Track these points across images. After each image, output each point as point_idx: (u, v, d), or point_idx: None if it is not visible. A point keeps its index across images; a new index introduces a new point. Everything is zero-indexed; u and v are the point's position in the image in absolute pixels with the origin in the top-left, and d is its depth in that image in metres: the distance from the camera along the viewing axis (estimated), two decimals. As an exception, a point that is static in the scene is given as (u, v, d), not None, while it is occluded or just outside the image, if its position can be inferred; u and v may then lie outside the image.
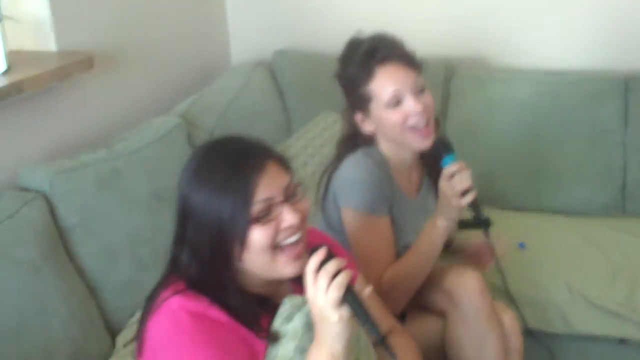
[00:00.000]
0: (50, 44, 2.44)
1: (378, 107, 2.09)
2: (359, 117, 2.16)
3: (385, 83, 2.07)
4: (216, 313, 1.49)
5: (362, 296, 1.45)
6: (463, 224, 2.84)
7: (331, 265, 1.43)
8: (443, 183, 2.01)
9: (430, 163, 2.22)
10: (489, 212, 2.88)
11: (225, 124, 2.81)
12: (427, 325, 2.17)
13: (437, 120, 2.20)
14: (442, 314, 2.16)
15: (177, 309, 1.47)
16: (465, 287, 2.10)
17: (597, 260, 2.64)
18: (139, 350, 1.54)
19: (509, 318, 2.17)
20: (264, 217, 1.49)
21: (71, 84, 2.49)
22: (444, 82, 3.16)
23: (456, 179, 1.99)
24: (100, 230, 2.26)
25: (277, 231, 1.50)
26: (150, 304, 1.54)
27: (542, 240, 2.77)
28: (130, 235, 2.31)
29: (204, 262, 1.51)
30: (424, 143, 2.09)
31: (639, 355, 2.51)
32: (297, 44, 3.34)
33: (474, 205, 2.04)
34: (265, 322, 1.54)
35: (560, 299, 2.50)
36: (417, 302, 2.22)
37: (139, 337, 1.54)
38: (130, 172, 2.38)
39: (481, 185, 2.99)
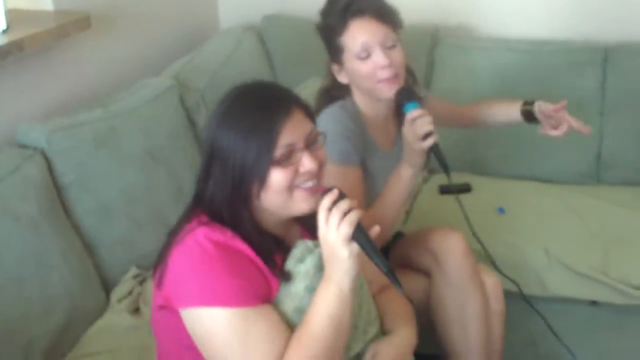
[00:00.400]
0: (46, 3, 2.46)
1: (350, 59, 2.15)
2: (335, 67, 2.22)
3: (355, 35, 2.13)
4: (239, 244, 1.57)
5: (371, 234, 1.53)
6: (444, 189, 2.95)
7: (343, 204, 1.51)
8: (406, 128, 2.06)
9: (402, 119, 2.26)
10: (469, 178, 3.02)
11: (215, 86, 2.83)
12: (412, 285, 2.22)
13: (412, 73, 2.27)
14: (427, 274, 2.23)
15: (202, 239, 1.55)
16: (449, 247, 2.17)
17: (573, 225, 2.70)
18: (159, 281, 1.61)
19: (491, 281, 2.25)
20: (285, 160, 1.56)
21: (68, 44, 2.51)
22: (430, 49, 3.19)
23: (417, 122, 2.03)
24: (96, 187, 2.31)
25: (295, 174, 1.57)
26: (173, 235, 1.61)
27: (520, 206, 2.82)
28: (125, 193, 2.36)
29: (226, 197, 1.58)
30: (388, 92, 2.15)
31: (609, 315, 2.60)
32: (285, 9, 3.37)
33: (435, 149, 2.07)
34: (279, 260, 1.62)
35: (537, 262, 2.57)
36: (404, 261, 2.30)
37: (160, 268, 1.60)
38: (126, 131, 2.42)
39: (462, 152, 3.11)
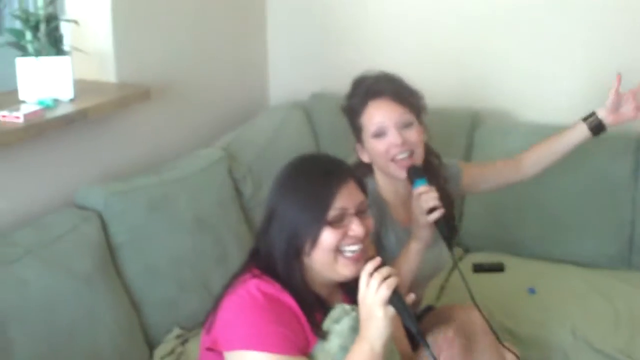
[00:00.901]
0: (110, 75, 2.63)
1: (367, 138, 2.27)
2: (358, 147, 2.34)
3: (372, 115, 2.25)
4: (286, 297, 1.72)
5: (406, 299, 1.66)
6: (478, 267, 3.03)
7: (384, 270, 1.65)
8: (413, 204, 2.16)
9: None
10: (503, 258, 3.09)
11: (262, 159, 2.97)
12: None
13: (433, 151, 2.38)
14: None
15: (253, 289, 1.71)
16: (472, 323, 2.22)
17: (601, 307, 2.74)
18: (209, 326, 1.75)
19: (510, 355, 2.29)
20: (337, 222, 1.73)
21: (128, 113, 2.67)
22: (469, 131, 3.29)
23: (423, 197, 2.13)
24: (147, 249, 2.42)
25: (344, 237, 1.73)
26: (228, 286, 1.76)
27: (550, 287, 2.87)
28: (172, 256, 2.47)
29: (281, 253, 1.74)
30: (401, 173, 2.24)
31: (634, 398, 2.61)
32: (332, 88, 3.49)
33: (439, 223, 2.15)
34: (319, 318, 1.75)
35: (564, 341, 2.60)
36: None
37: (212, 313, 1.75)
38: (177, 198, 2.54)
39: (496, 233, 3.19)
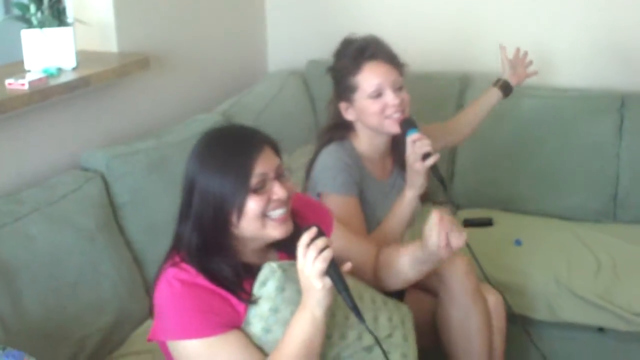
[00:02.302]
0: (112, 45, 2.74)
1: (361, 97, 2.37)
2: (343, 105, 2.42)
3: (370, 77, 2.36)
4: (202, 281, 1.75)
5: (342, 270, 1.69)
6: (468, 223, 3.15)
7: (320, 242, 1.66)
8: (408, 151, 2.29)
9: (400, 151, 2.43)
10: (492, 214, 3.21)
11: (260, 124, 3.01)
12: (421, 305, 2.41)
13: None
14: (434, 294, 2.42)
15: (171, 279, 1.76)
16: (453, 269, 2.35)
17: (585, 257, 2.87)
18: (152, 316, 1.85)
19: (493, 299, 2.42)
20: (259, 189, 1.75)
21: (129, 81, 2.78)
22: (458, 94, 3.39)
23: (417, 144, 2.26)
24: (147, 209, 2.53)
25: (268, 202, 1.76)
26: (155, 277, 1.84)
27: (536, 239, 3.00)
28: (171, 214, 2.47)
29: (206, 230, 1.76)
30: (395, 128, 2.37)
31: (615, 342, 2.74)
32: (328, 55, 3.61)
33: (434, 168, 2.28)
34: (249, 285, 1.80)
35: (547, 289, 2.74)
36: (415, 283, 2.50)
37: (151, 305, 1.84)
38: (176, 160, 2.58)
39: (487, 191, 3.31)
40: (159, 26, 2.99)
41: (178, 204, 1.86)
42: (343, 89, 2.43)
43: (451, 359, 2.39)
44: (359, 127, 2.45)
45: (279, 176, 1.80)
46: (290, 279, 1.79)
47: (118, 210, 2.50)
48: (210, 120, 2.90)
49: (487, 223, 3.16)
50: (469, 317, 2.33)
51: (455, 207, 3.34)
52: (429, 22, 3.56)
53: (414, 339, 2.05)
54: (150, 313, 1.88)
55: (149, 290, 2.47)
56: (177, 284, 1.75)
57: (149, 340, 1.85)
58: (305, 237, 1.68)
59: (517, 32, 3.42)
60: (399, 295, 2.40)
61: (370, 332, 1.76)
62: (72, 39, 2.53)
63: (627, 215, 3.19)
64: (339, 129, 2.46)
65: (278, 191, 1.78)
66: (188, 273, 1.76)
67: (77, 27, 2.58)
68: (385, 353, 1.79)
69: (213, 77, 3.38)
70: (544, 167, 3.24)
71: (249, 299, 1.77)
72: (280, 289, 1.78)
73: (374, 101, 2.36)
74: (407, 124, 2.36)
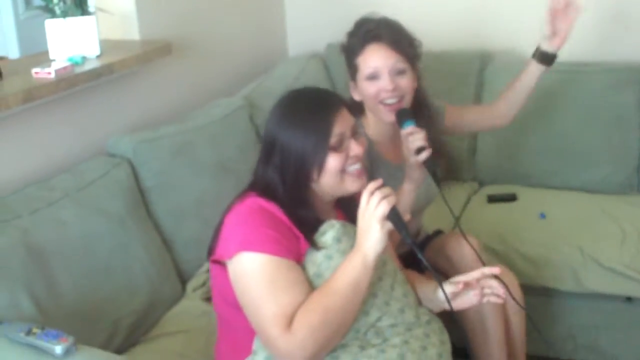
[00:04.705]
0: (134, 33, 2.78)
1: (361, 79, 2.38)
2: (351, 84, 2.44)
3: (368, 58, 2.35)
4: (279, 213, 1.86)
5: (403, 215, 1.79)
6: (492, 198, 3.17)
7: (385, 189, 1.77)
8: (404, 144, 2.26)
9: None
10: (516, 189, 3.22)
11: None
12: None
13: (426, 103, 2.46)
14: (445, 276, 2.36)
15: (250, 202, 1.87)
16: (463, 252, 2.37)
17: (609, 228, 2.87)
18: (212, 249, 1.91)
19: (507, 278, 2.36)
20: (338, 146, 1.86)
21: (152, 68, 2.81)
22: (479, 71, 3.40)
23: (410, 139, 2.23)
24: (173, 192, 2.57)
25: (346, 158, 1.88)
26: (230, 205, 1.92)
27: (561, 212, 3.01)
28: (197, 198, 2.62)
29: (287, 182, 1.87)
30: (388, 116, 2.36)
31: (643, 311, 2.75)
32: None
33: (427, 163, 2.23)
34: (313, 236, 1.90)
35: (573, 260, 2.75)
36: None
37: (215, 237, 1.91)
38: (200, 144, 2.69)
39: (510, 166, 3.32)
40: (179, 13, 3.02)
41: (259, 156, 1.97)
42: (350, 69, 2.44)
43: (467, 340, 2.39)
44: (366, 108, 2.45)
45: (355, 134, 1.91)
46: (347, 233, 1.88)
47: (145, 194, 2.54)
48: (232, 104, 2.96)
49: (511, 198, 3.17)
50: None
51: (479, 183, 3.36)
52: (447, 1, 3.56)
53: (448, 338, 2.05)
54: (209, 250, 1.94)
55: (180, 272, 2.58)
56: (256, 206, 1.86)
57: (212, 262, 1.92)
58: (372, 185, 1.77)
59: (535, 8, 3.41)
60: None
61: (425, 263, 1.82)
62: (95, 27, 2.56)
63: (651, 187, 3.19)
64: (352, 110, 2.44)
65: (355, 148, 1.89)
66: (268, 203, 1.86)
67: (99, 16, 2.61)
68: (423, 258, 1.84)
69: (234, 61, 3.41)
70: (566, 142, 3.24)
71: (313, 241, 1.86)
72: (337, 239, 1.87)
73: (370, 83, 2.36)
74: (403, 115, 2.32)
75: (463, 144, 3.36)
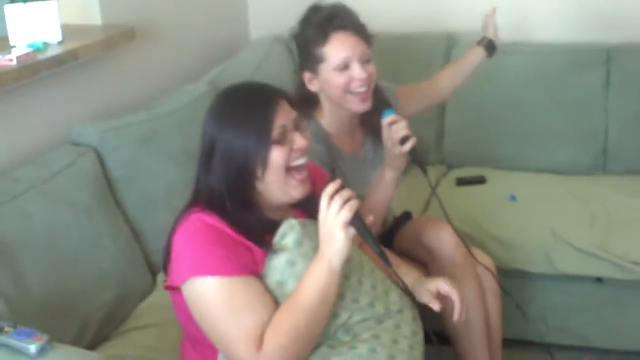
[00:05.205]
0: (95, 18, 2.70)
1: (327, 69, 2.27)
2: (307, 76, 2.34)
3: (338, 48, 2.25)
4: (225, 227, 1.76)
5: (366, 220, 1.72)
6: (461, 181, 3.17)
7: (345, 192, 1.69)
8: (385, 134, 2.20)
9: (370, 122, 2.41)
10: (484, 172, 3.22)
11: None
12: None
13: (379, 88, 2.38)
14: (424, 265, 2.42)
15: (195, 220, 1.77)
16: (441, 242, 2.35)
17: (578, 209, 2.89)
18: (165, 265, 1.84)
19: (486, 262, 2.44)
20: (281, 140, 1.78)
21: (116, 54, 2.75)
22: (445, 53, 3.38)
23: (393, 128, 2.18)
24: (141, 181, 2.52)
25: (290, 151, 1.79)
26: (174, 224, 1.83)
27: (530, 194, 3.02)
28: (166, 186, 2.56)
29: (231, 185, 1.78)
30: (360, 106, 2.29)
31: (614, 291, 2.78)
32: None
33: (413, 152, 2.20)
34: (270, 238, 1.81)
35: (545, 242, 2.76)
36: (405, 253, 2.45)
37: (166, 253, 1.83)
38: (167, 131, 2.64)
39: (478, 149, 3.33)
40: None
41: (198, 163, 1.88)
42: (308, 59, 2.32)
43: (448, 329, 2.38)
44: (323, 100, 2.37)
45: (297, 127, 1.84)
46: (308, 234, 1.81)
47: (113, 184, 2.49)
48: (198, 90, 2.90)
49: (480, 181, 3.17)
50: (463, 288, 2.27)
51: (447, 167, 3.35)
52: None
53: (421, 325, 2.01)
54: (164, 265, 1.87)
55: (150, 263, 2.53)
56: (199, 224, 1.77)
57: (166, 288, 1.85)
58: (329, 188, 1.70)
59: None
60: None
61: (391, 270, 1.79)
62: (57, 11, 2.49)
63: (617, 167, 3.23)
64: (305, 106, 2.34)
65: (299, 140, 1.81)
66: (212, 218, 1.77)
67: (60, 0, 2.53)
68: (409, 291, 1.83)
69: (197, 45, 3.36)
70: (533, 123, 3.26)
71: (269, 247, 1.79)
72: (298, 243, 1.80)
73: (339, 74, 2.26)
74: (382, 105, 2.28)
75: (430, 127, 3.35)
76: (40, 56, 2.35)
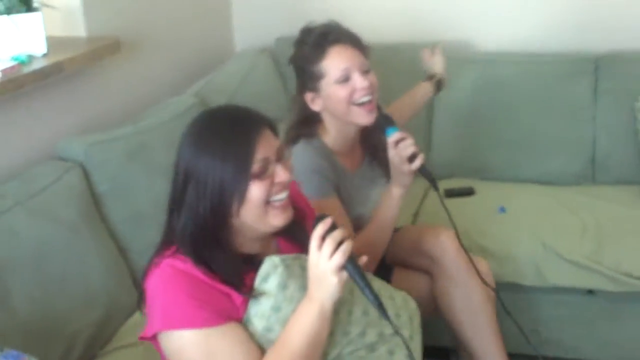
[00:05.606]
0: (80, 30, 2.65)
1: (328, 84, 2.25)
2: (309, 96, 2.31)
3: (336, 61, 2.24)
4: (198, 272, 1.64)
5: (361, 264, 1.61)
6: (449, 193, 3.15)
7: (337, 234, 1.58)
8: (391, 152, 2.18)
9: (370, 139, 2.42)
10: (472, 183, 3.21)
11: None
12: (414, 283, 2.40)
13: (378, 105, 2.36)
14: (426, 272, 2.41)
15: (166, 266, 1.65)
16: (443, 248, 2.34)
17: (568, 221, 2.87)
18: (143, 310, 1.74)
19: (484, 269, 2.43)
20: (262, 174, 1.64)
21: (101, 66, 2.71)
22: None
23: (401, 146, 2.16)
24: (128, 196, 2.47)
25: (271, 186, 1.66)
26: (146, 269, 1.71)
27: (519, 205, 3.00)
28: (154, 201, 2.46)
29: (203, 221, 1.64)
30: (367, 118, 2.27)
31: (605, 303, 2.76)
32: (296, 32, 3.57)
33: (423, 169, 2.19)
34: (250, 279, 1.69)
35: (535, 255, 2.74)
36: (402, 263, 2.47)
37: (141, 298, 1.72)
38: (154, 145, 2.59)
39: (466, 160, 3.31)
40: (127, 8, 2.91)
41: (168, 194, 1.74)
42: (308, 78, 2.31)
43: (458, 334, 2.38)
44: (326, 118, 2.35)
45: (280, 158, 1.70)
46: (293, 274, 1.69)
47: (99, 200, 2.44)
48: (184, 102, 2.86)
49: (468, 192, 3.15)
50: (471, 292, 2.33)
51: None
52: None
53: (421, 338, 1.95)
54: (139, 306, 1.78)
55: (136, 280, 2.46)
56: (171, 271, 1.64)
57: (141, 339, 1.73)
58: (319, 228, 1.60)
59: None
60: (386, 274, 2.38)
61: (397, 332, 1.69)
62: (41, 24, 2.44)
63: (606, 177, 3.21)
64: (306, 125, 2.34)
65: (281, 174, 1.68)
66: (185, 264, 1.65)
67: (43, 12, 2.49)
68: (409, 350, 1.72)
69: (182, 57, 3.33)
70: (521, 134, 3.25)
71: (250, 293, 1.67)
72: (282, 286, 1.67)
73: (341, 86, 2.25)
74: (385, 122, 2.26)
75: (418, 139, 3.25)
76: (25, 69, 2.31)
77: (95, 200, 2.42)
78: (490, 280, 2.43)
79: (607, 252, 2.71)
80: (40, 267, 2.13)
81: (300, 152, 2.29)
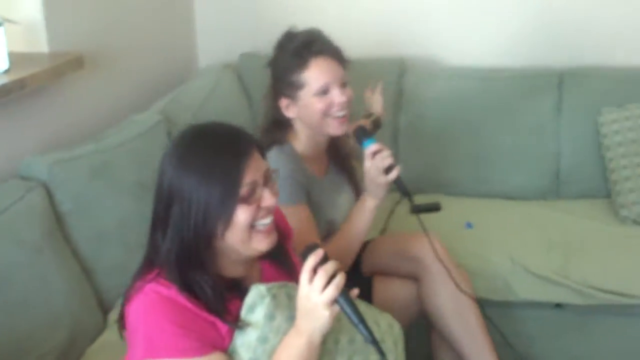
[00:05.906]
0: (42, 46, 2.59)
1: (307, 94, 2.27)
2: (283, 102, 2.33)
3: (317, 74, 2.27)
4: (182, 299, 1.59)
5: (353, 297, 1.57)
6: (416, 209, 3.12)
7: (329, 267, 1.55)
8: (367, 164, 2.20)
9: (333, 146, 2.46)
10: (439, 198, 3.19)
11: (199, 121, 2.96)
12: (400, 291, 2.43)
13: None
14: (410, 277, 2.41)
15: (150, 292, 1.59)
16: (430, 248, 2.35)
17: (535, 235, 2.89)
18: (123, 335, 1.70)
19: (464, 278, 2.45)
20: (249, 197, 1.60)
21: (64, 83, 2.65)
22: (398, 78, 3.37)
23: (377, 158, 2.19)
24: (93, 216, 2.42)
25: (257, 210, 1.62)
26: (128, 293, 1.65)
27: (486, 220, 3.01)
28: (118, 220, 2.48)
29: (187, 243, 1.59)
30: (339, 129, 2.31)
31: (574, 317, 2.77)
32: (261, 48, 3.53)
33: (398, 180, 2.22)
34: (235, 306, 1.65)
35: (504, 269, 2.75)
36: (383, 271, 2.47)
37: (122, 324, 1.68)
38: (118, 163, 2.55)
39: (431, 175, 3.30)
40: (89, 24, 2.85)
41: (151, 213, 1.69)
42: (286, 85, 2.31)
43: (450, 336, 2.40)
44: (298, 125, 2.36)
45: (267, 181, 1.66)
46: (280, 305, 1.65)
47: (63, 219, 2.38)
48: (148, 120, 2.81)
49: (435, 208, 3.12)
50: (460, 294, 2.33)
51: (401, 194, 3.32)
52: (362, 9, 3.54)
53: None
54: (119, 331, 1.73)
55: (101, 301, 2.43)
56: (156, 297, 1.59)
57: None
58: (311, 261, 1.56)
59: (452, 15, 3.43)
60: (365, 286, 2.36)
61: (377, 349, 1.61)
62: (3, 39, 2.38)
63: (570, 191, 3.24)
64: (278, 130, 2.35)
65: (267, 198, 1.64)
66: (169, 290, 1.60)
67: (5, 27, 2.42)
68: None
69: (146, 73, 3.28)
70: (486, 149, 3.26)
71: (236, 323, 1.63)
72: (270, 316, 1.63)
73: (319, 99, 2.27)
74: (363, 133, 2.28)
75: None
76: (-14, 86, 2.25)
77: (58, 219, 2.36)
78: (469, 285, 2.45)
79: (574, 265, 2.73)
80: (2, 289, 2.06)
81: (274, 159, 2.28)
